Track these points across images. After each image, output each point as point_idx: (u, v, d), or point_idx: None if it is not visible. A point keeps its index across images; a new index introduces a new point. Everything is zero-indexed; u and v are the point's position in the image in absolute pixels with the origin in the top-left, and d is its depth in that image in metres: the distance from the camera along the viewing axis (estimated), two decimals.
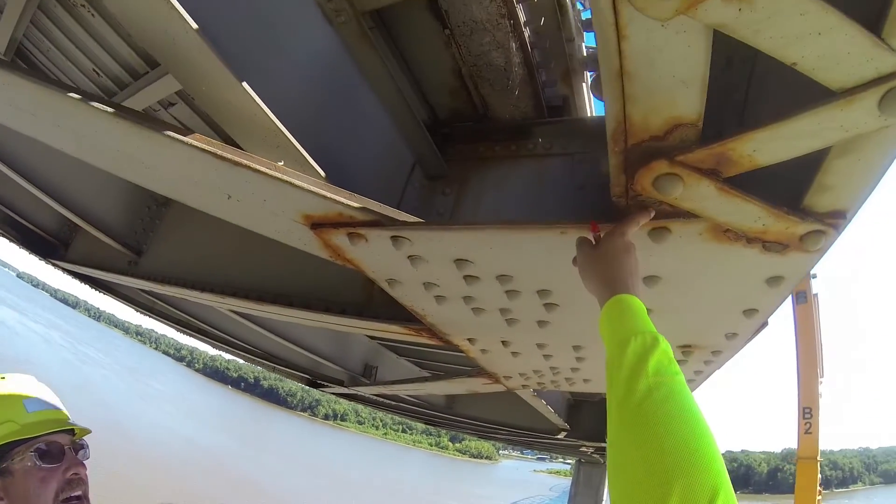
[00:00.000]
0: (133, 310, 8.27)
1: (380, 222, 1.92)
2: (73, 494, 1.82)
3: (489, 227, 1.86)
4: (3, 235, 6.28)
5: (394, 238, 1.97)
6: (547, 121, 2.92)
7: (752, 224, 1.63)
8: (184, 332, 8.66)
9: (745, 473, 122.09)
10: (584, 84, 3.33)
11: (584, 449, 15.79)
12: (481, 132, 2.95)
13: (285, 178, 1.76)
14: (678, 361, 2.82)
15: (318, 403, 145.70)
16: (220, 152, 1.68)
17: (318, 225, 1.98)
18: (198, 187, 2.00)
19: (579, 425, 11.51)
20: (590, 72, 3.25)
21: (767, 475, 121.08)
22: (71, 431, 1.97)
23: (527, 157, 2.84)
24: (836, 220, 1.60)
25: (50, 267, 6.54)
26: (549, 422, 9.82)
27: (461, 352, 6.14)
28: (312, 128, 2.10)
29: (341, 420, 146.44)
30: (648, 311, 1.43)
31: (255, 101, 1.76)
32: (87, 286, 7.16)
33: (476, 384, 4.93)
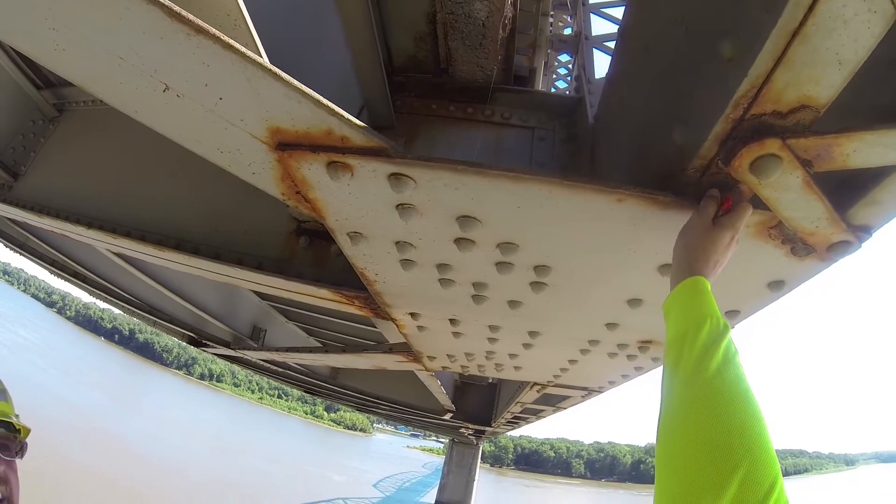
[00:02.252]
0: (1, 244, 7.41)
1: (383, 151, 1.46)
2: None
3: (538, 178, 1.47)
4: None
5: (394, 176, 1.52)
6: (510, 89, 2.75)
7: (809, 224, 1.56)
8: (58, 276, 7.88)
9: (610, 463, 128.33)
10: (543, 62, 3.26)
11: (463, 430, 16.16)
12: (438, 88, 2.70)
13: (269, 66, 1.26)
14: (633, 354, 2.67)
15: (195, 362, 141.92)
16: (176, 8, 1.15)
17: (287, 146, 1.47)
18: (123, 68, 1.37)
19: (464, 407, 11.88)
20: (556, 52, 3.39)
21: (631, 466, 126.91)
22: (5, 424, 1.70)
23: (483, 122, 2.67)
24: (862, 234, 1.61)
25: None
26: (437, 402, 9.95)
27: (370, 325, 5.77)
28: (268, 36, 1.68)
29: (217, 381, 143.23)
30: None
31: None
32: None
33: (387, 360, 4.64)
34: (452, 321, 2.76)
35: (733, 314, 2.19)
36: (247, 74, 1.28)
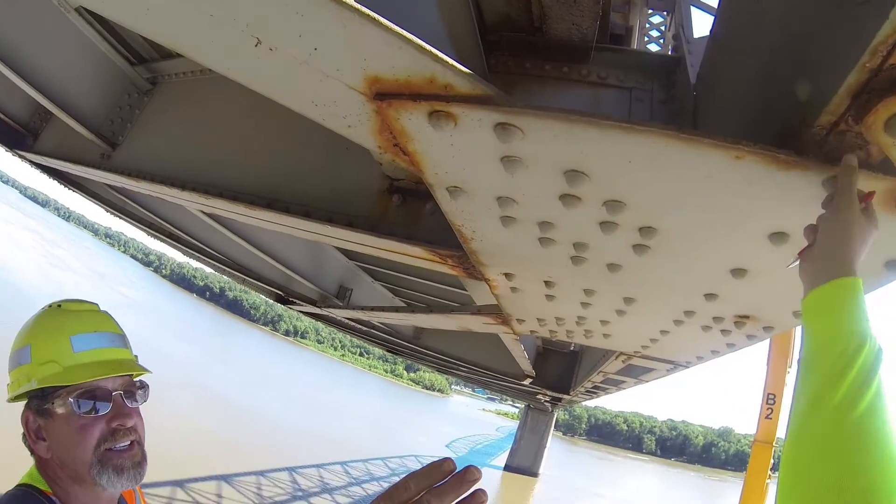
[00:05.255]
0: (103, 210, 7.88)
1: (490, 99, 1.35)
2: (117, 446, 1.67)
3: (653, 129, 1.35)
4: None
5: (501, 126, 1.40)
6: (606, 47, 2.61)
7: None
8: (155, 237, 8.31)
9: (682, 443, 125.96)
10: (638, 19, 3.09)
11: (540, 396, 16.20)
12: (533, 47, 2.56)
13: (367, 12, 1.17)
14: (728, 329, 2.54)
15: (280, 319, 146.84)
16: None
17: (386, 95, 1.39)
18: (213, 25, 1.34)
19: (544, 374, 11.80)
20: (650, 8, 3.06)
21: (702, 448, 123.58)
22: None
23: (578, 82, 2.54)
24: None
25: (17, 160, 6.14)
26: (518, 367, 9.91)
27: (455, 286, 5.73)
28: None
29: (301, 337, 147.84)
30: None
31: None
32: (56, 182, 6.75)
33: (474, 322, 4.59)
34: (547, 283, 2.68)
35: None
36: (343, 21, 1.22)
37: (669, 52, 3.00)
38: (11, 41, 3.98)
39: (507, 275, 2.70)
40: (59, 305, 1.80)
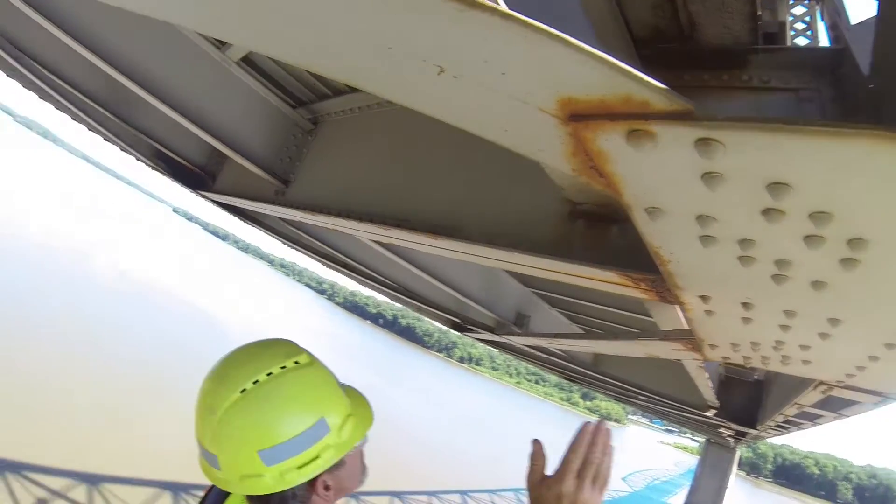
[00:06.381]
0: (279, 242, 8.51)
1: (689, 114, 1.28)
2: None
3: (860, 131, 1.19)
4: (155, 168, 6.81)
5: (702, 141, 1.33)
6: (763, 48, 2.44)
7: None
8: (329, 266, 8.80)
9: (883, 493, 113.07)
10: (788, 13, 2.96)
11: (723, 430, 15.17)
12: (687, 57, 2.46)
13: (556, 32, 1.14)
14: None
15: (454, 346, 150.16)
16: None
17: (581, 117, 1.34)
18: (392, 57, 1.33)
19: (727, 405, 11.04)
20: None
21: None
22: None
23: (740, 88, 2.38)
24: None
25: (200, 199, 6.94)
26: (702, 397, 9.34)
27: (635, 311, 5.58)
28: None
29: (476, 364, 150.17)
30: None
31: None
32: (235, 217, 7.54)
33: (661, 348, 4.36)
34: (745, 305, 2.51)
35: None
36: (531, 44, 1.18)
37: (828, 45, 2.77)
38: (185, 95, 4.45)
39: (702, 297, 2.56)
40: (297, 362, 1.69)
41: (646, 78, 1.23)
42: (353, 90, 4.28)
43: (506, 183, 3.10)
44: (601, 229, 2.73)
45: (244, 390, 1.53)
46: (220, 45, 4.44)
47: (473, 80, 1.34)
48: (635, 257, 2.40)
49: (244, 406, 1.53)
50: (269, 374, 1.56)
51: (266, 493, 1.58)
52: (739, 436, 16.02)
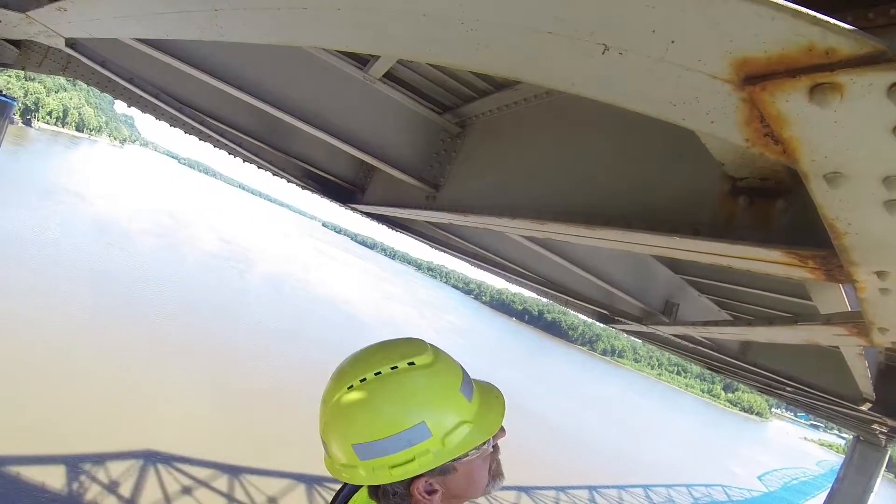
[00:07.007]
0: (428, 246, 8.72)
1: (881, 56, 1.10)
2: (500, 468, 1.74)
3: None
4: (306, 188, 7.40)
5: (895, 87, 1.15)
6: None
7: None
8: (477, 266, 8.90)
9: None
10: None
11: (876, 426, 13.73)
12: None
13: None
14: None
15: (598, 339, 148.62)
16: None
17: (757, 78, 1.23)
18: (553, 42, 1.30)
19: (885, 398, 9.91)
20: None
21: None
22: None
23: None
24: None
25: (349, 212, 7.47)
26: (857, 388, 8.49)
27: (789, 294, 5.20)
28: None
29: (618, 356, 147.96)
30: None
31: None
32: (384, 226, 7.99)
33: (822, 334, 4.02)
34: None
35: None
36: (702, 4, 1.13)
37: None
38: (331, 115, 4.71)
39: (879, 273, 2.32)
40: (412, 363, 1.63)
41: (829, 20, 1.10)
42: (499, 90, 4.25)
43: (662, 166, 2.99)
44: (764, 205, 2.53)
45: (351, 386, 1.59)
46: (362, 65, 4.56)
47: (639, 53, 1.29)
48: (802, 232, 2.24)
49: (348, 401, 1.59)
50: (376, 374, 1.59)
51: (361, 484, 1.67)
52: (893, 433, 14.52)
